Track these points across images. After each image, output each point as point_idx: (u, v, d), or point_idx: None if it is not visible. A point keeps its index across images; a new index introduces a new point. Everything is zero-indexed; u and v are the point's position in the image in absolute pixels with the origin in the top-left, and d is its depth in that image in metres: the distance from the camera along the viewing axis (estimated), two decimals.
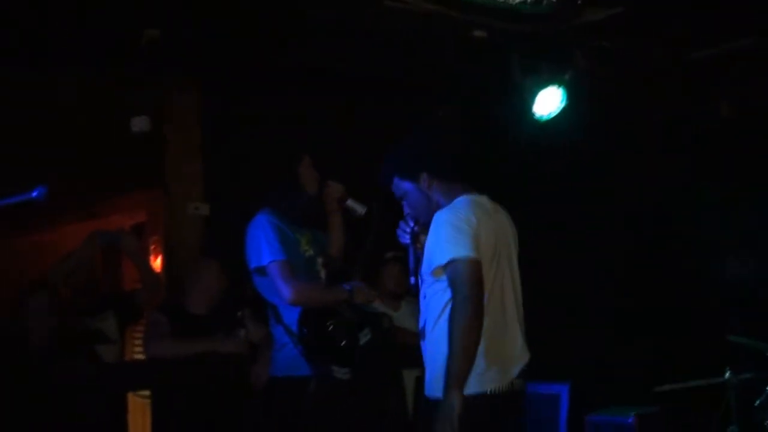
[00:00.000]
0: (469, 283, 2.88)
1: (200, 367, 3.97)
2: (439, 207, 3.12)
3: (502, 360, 2.95)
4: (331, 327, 3.80)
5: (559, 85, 4.73)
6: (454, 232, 2.98)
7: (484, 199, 3.13)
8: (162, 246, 5.25)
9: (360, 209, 4.03)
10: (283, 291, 3.70)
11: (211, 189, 4.71)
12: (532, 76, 4.78)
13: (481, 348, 2.88)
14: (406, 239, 3.22)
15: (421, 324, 3.15)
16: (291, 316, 3.77)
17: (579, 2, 4.33)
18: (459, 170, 3.20)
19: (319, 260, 4.02)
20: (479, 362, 2.89)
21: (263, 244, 3.76)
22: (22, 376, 3.94)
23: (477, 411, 2.83)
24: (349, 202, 4.00)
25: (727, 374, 3.76)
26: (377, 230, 3.97)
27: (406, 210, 3.22)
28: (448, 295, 2.96)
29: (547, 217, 5.32)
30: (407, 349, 4.09)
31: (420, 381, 4.26)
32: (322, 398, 3.82)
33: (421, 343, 3.13)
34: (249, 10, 4.05)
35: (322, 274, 4.03)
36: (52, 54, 4.16)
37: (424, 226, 3.14)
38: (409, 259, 3.23)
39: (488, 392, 2.86)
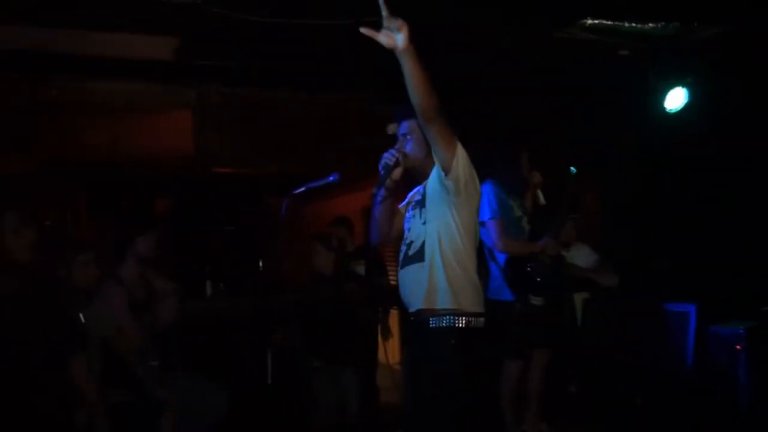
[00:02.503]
0: (444, 137, 3.10)
1: None
2: (430, 159, 3.33)
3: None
4: (530, 268, 4.83)
5: (683, 86, 5.60)
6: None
7: None
8: None
9: (542, 200, 5.05)
10: (496, 242, 4.73)
11: None
12: (663, 80, 5.63)
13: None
14: (388, 161, 3.29)
15: (411, 250, 3.32)
16: (502, 257, 4.85)
17: (695, 24, 5.14)
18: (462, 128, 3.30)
19: (525, 219, 5.01)
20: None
21: (485, 206, 4.73)
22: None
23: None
24: (539, 192, 5.03)
25: None
26: (567, 204, 4.95)
27: (402, 145, 3.37)
28: (458, 222, 3.21)
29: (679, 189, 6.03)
30: (576, 278, 5.49)
31: (586, 302, 5.60)
32: (523, 315, 4.86)
33: (409, 268, 3.31)
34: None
35: (526, 230, 5.00)
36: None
37: (399, 164, 3.30)
38: (381, 176, 3.28)
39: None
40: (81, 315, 4.08)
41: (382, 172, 3.27)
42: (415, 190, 3.55)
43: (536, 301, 4.85)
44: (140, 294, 4.56)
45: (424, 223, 3.27)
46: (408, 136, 3.35)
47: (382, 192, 3.31)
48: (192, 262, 5.97)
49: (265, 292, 4.78)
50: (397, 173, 3.30)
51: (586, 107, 6.17)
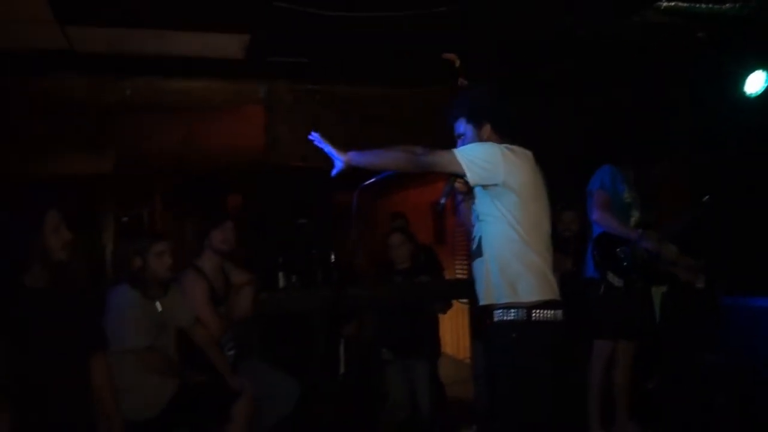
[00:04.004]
0: (438, 162, 3.12)
1: None
2: None
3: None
4: (619, 250, 4.78)
5: (764, 69, 5.39)
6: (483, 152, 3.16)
7: (530, 154, 3.24)
8: None
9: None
10: (593, 212, 4.73)
11: None
12: (742, 63, 5.45)
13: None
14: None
15: (474, 244, 3.30)
16: (596, 230, 4.84)
17: None
18: (515, 133, 3.32)
19: (634, 209, 4.93)
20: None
21: (597, 178, 4.79)
22: None
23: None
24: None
25: None
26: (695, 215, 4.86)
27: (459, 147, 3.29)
28: (499, 213, 3.15)
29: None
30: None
31: (665, 296, 5.43)
32: (605, 295, 4.77)
33: (476, 261, 3.29)
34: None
35: (632, 219, 4.91)
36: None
37: None
38: (446, 184, 3.32)
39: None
40: (158, 303, 4.19)
41: (446, 180, 3.30)
42: None
43: (616, 282, 4.78)
44: (218, 285, 4.65)
45: (478, 218, 3.27)
46: (462, 137, 3.35)
47: (456, 198, 3.37)
48: (265, 255, 6.08)
49: (337, 284, 4.82)
50: (461, 180, 3.26)
51: (666, 94, 6.02)
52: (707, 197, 4.65)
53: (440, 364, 5.82)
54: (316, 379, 5.14)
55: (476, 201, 3.25)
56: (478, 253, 3.23)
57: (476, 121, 3.29)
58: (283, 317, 5.47)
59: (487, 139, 3.26)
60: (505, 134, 3.28)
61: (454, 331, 6.88)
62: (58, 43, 4.93)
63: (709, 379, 5.13)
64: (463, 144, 3.30)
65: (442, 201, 3.29)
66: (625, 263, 4.75)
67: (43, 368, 3.11)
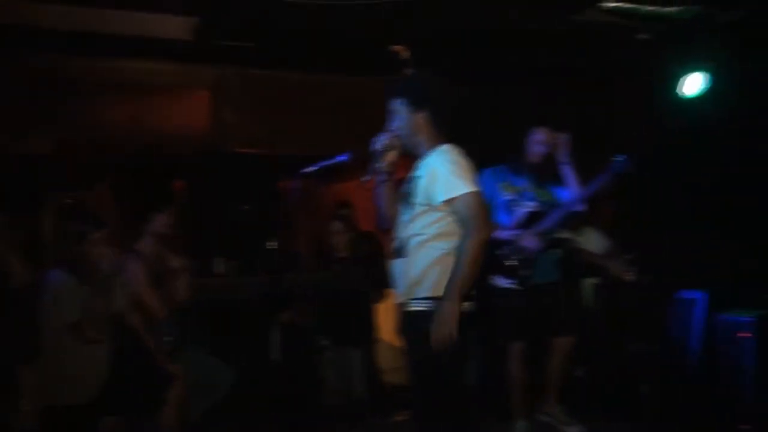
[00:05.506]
0: (481, 214, 3.07)
1: None
2: (419, 145, 3.27)
3: None
4: (499, 253, 4.60)
5: (702, 71, 5.51)
6: (460, 170, 3.13)
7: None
8: None
9: None
10: None
11: None
12: (682, 65, 5.57)
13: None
14: (378, 147, 3.28)
15: (398, 244, 3.26)
16: None
17: (716, 8, 5.09)
18: (449, 126, 3.30)
19: (523, 200, 4.73)
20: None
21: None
22: None
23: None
24: None
25: None
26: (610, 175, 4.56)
27: (392, 126, 3.31)
28: (442, 225, 3.13)
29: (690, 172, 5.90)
30: (586, 263, 5.46)
31: (596, 287, 5.59)
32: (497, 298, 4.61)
33: (396, 261, 3.25)
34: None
35: (528, 209, 4.73)
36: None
37: (392, 147, 3.29)
38: (375, 161, 3.28)
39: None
40: (92, 288, 4.19)
41: (375, 158, 3.27)
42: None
43: (507, 284, 4.67)
44: (158, 269, 4.65)
45: (408, 217, 3.23)
46: (397, 115, 3.31)
47: (379, 177, 3.29)
48: (206, 241, 6.06)
49: (275, 271, 4.83)
50: (391, 156, 3.29)
51: (606, 92, 6.16)
52: (620, 156, 4.49)
53: (378, 351, 5.86)
54: (251, 365, 5.13)
55: (411, 200, 3.21)
56: (403, 251, 3.22)
57: (415, 107, 3.26)
58: (220, 303, 5.47)
59: (420, 127, 3.25)
60: (439, 125, 3.28)
61: (391, 318, 6.90)
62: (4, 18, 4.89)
63: (635, 367, 5.28)
64: (398, 125, 3.28)
65: (367, 178, 3.29)
66: (508, 263, 4.67)
67: None
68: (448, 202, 3.08)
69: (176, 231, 4.77)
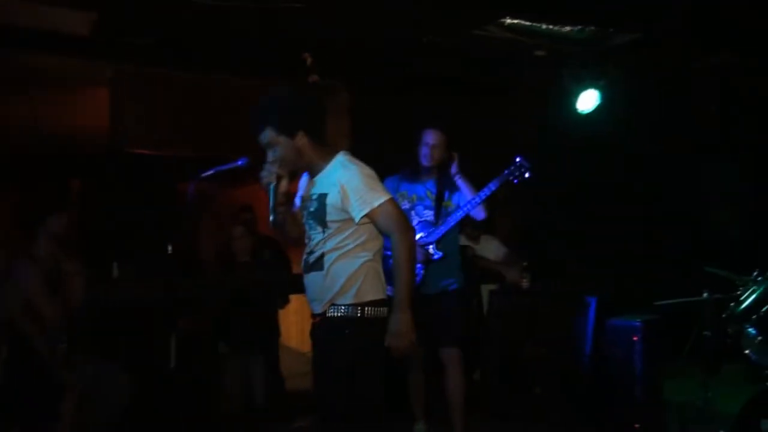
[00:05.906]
0: (402, 219, 3.06)
1: None
2: (311, 163, 3.14)
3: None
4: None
5: (596, 89, 5.81)
6: (370, 179, 3.07)
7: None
8: None
9: None
10: None
11: None
12: (577, 82, 5.82)
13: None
14: (269, 180, 3.12)
15: (312, 259, 3.14)
16: None
17: (610, 30, 5.37)
18: (325, 134, 3.17)
19: (421, 207, 4.75)
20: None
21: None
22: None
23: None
24: None
25: (705, 295, 4.39)
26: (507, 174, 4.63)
27: (271, 157, 3.12)
28: (362, 235, 3.07)
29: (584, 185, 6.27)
30: (484, 270, 5.68)
31: (493, 293, 5.77)
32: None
33: (311, 274, 3.14)
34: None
35: (424, 217, 4.75)
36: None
37: (281, 178, 3.12)
38: (270, 199, 3.14)
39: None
40: None
41: (269, 194, 3.14)
42: (304, 179, 3.45)
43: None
44: (52, 273, 4.46)
45: (322, 233, 3.12)
46: (273, 145, 3.12)
47: (278, 211, 3.19)
48: (101, 244, 5.90)
49: (173, 275, 4.75)
50: (283, 186, 3.15)
51: (504, 105, 6.34)
52: (517, 157, 4.57)
53: (284, 357, 5.84)
54: (148, 372, 5.05)
55: (321, 216, 3.10)
56: (318, 266, 3.12)
57: (289, 132, 3.07)
58: (117, 308, 5.35)
59: (302, 147, 3.10)
60: (318, 137, 3.13)
61: (299, 324, 6.92)
62: None
63: (528, 371, 5.46)
64: (278, 155, 3.09)
65: (273, 217, 3.20)
66: None
67: None
68: (367, 215, 3.02)
69: (72, 233, 4.61)
